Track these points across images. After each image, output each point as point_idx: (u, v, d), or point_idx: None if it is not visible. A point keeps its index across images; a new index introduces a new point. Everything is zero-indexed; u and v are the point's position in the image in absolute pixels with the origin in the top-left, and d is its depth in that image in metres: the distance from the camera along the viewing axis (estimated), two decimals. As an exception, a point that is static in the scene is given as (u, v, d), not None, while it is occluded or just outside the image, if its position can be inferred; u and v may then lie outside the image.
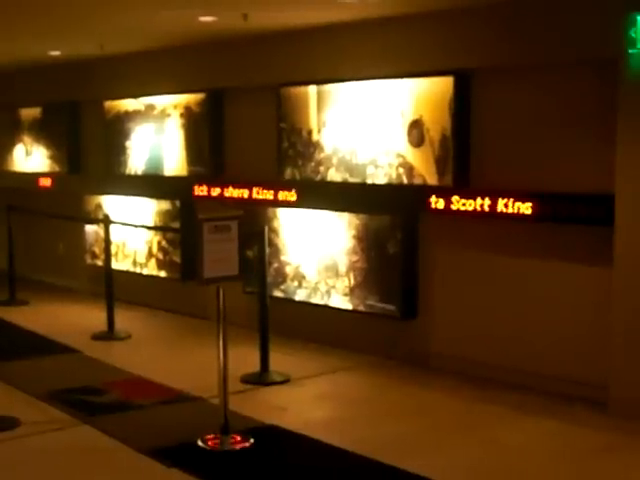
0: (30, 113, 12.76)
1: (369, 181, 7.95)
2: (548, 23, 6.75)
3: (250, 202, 8.93)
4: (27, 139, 12.83)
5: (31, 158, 12.78)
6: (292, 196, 8.64)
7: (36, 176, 12.61)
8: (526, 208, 6.86)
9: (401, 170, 7.69)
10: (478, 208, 7.17)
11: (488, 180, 7.21)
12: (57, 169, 12.23)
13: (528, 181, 6.96)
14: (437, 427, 6.31)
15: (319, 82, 8.38)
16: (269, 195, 8.82)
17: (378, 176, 7.87)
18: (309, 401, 7.03)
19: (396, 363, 7.87)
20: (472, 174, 7.34)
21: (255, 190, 8.96)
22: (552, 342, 6.95)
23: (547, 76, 6.88)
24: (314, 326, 8.68)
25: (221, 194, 9.40)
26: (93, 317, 9.81)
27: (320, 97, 8.37)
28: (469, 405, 6.76)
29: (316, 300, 8.46)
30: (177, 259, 10.16)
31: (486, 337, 7.38)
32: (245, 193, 9.10)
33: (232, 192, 9.25)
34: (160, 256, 10.45)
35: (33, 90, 12.58)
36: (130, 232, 10.66)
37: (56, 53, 10.42)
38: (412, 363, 7.81)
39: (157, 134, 10.36)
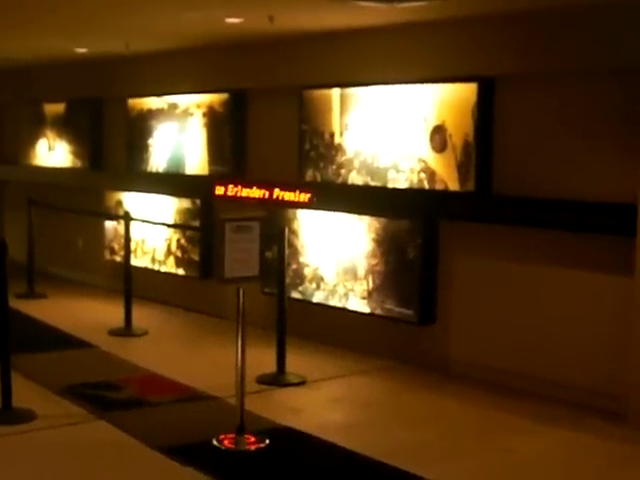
0: (54, 108, 12.82)
1: (390, 185, 7.96)
2: (574, 32, 6.75)
3: (270, 203, 8.93)
4: (50, 134, 12.90)
5: (53, 153, 12.85)
6: (312, 198, 8.62)
7: (58, 170, 12.68)
8: (545, 216, 6.86)
9: (423, 175, 7.69)
10: (499, 215, 7.18)
11: (510, 187, 7.20)
12: (79, 165, 12.29)
13: (551, 189, 6.94)
14: (453, 434, 6.30)
15: (342, 85, 8.39)
16: (290, 196, 8.81)
17: (399, 180, 7.88)
18: (324, 404, 7.03)
19: (413, 368, 7.86)
20: (495, 181, 7.33)
21: (276, 191, 8.95)
22: (571, 351, 6.93)
23: (572, 84, 6.86)
24: (331, 328, 8.68)
25: (242, 194, 9.38)
26: (110, 313, 9.84)
27: (343, 100, 8.38)
28: (486, 412, 6.74)
29: (334, 302, 8.47)
30: (196, 257, 10.19)
31: (504, 344, 7.36)
32: (266, 194, 9.08)
33: (253, 192, 9.23)
34: (179, 254, 10.48)
35: (58, 86, 12.64)
36: (149, 229, 10.69)
37: (83, 50, 10.47)
38: (429, 368, 7.80)
39: (179, 133, 10.40)
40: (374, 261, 8.08)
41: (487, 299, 7.50)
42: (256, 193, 9.04)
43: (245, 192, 9.23)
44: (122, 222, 9.76)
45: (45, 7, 7.39)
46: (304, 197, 8.55)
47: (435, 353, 7.85)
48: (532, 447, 6.03)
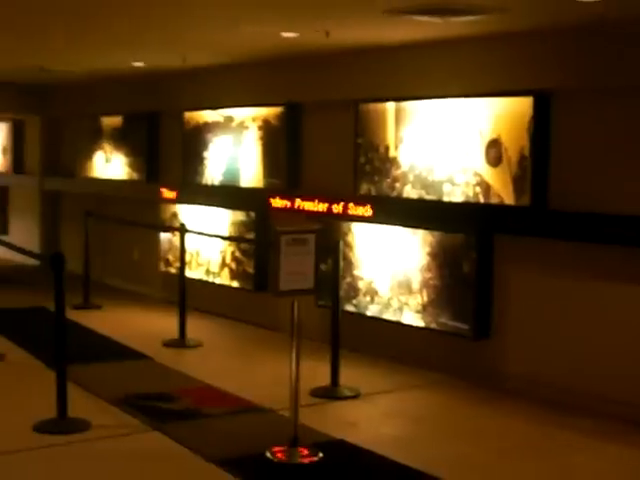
0: (111, 121, 12.98)
1: (445, 199, 7.93)
2: (631, 45, 6.68)
3: (325, 216, 8.95)
4: (107, 147, 13.05)
5: (110, 165, 12.99)
6: (367, 211, 8.62)
7: (114, 182, 12.82)
8: (603, 231, 6.78)
9: (478, 189, 7.66)
10: (555, 229, 7.12)
11: (567, 202, 7.13)
12: (135, 177, 12.41)
13: (610, 204, 6.86)
14: (508, 451, 6.22)
15: (398, 99, 8.38)
16: (344, 209, 8.82)
17: (454, 194, 7.85)
18: (378, 417, 7.00)
19: (467, 383, 7.81)
20: (551, 194, 7.27)
21: (330, 204, 8.97)
22: (631, 369, 6.81)
23: (631, 97, 6.78)
24: (385, 342, 8.66)
25: (297, 207, 9.41)
26: (165, 324, 9.91)
27: (398, 114, 8.37)
28: (541, 429, 6.65)
29: (388, 316, 8.44)
30: (250, 270, 10.23)
31: (561, 360, 7.28)
32: (320, 207, 9.11)
33: (308, 205, 9.26)
34: (233, 266, 10.53)
35: (115, 99, 12.80)
36: (204, 241, 10.75)
37: (140, 64, 10.59)
38: (484, 384, 7.74)
39: (235, 146, 10.46)
40: (429, 275, 8.05)
41: (543, 314, 7.43)
42: (314, 206, 9.11)
43: (304, 205, 9.31)
44: (177, 234, 9.83)
45: (104, 21, 7.49)
46: (366, 211, 8.56)
47: (490, 368, 7.79)
48: (589, 465, 5.94)
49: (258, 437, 6.33)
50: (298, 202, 9.36)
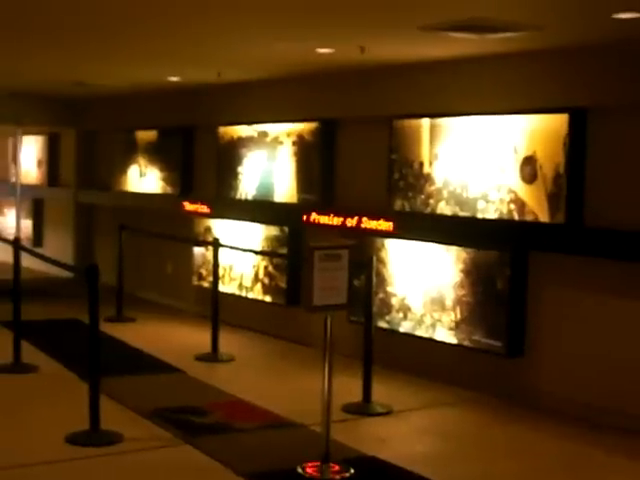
0: (146, 135, 13.05)
1: (479, 215, 7.90)
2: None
3: (358, 232, 8.94)
4: (142, 160, 13.12)
5: (145, 179, 13.06)
6: (400, 227, 8.60)
7: (149, 197, 12.88)
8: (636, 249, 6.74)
9: (512, 206, 7.62)
10: (590, 247, 7.07)
11: (604, 219, 7.08)
12: (169, 191, 12.46)
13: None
14: (540, 470, 6.17)
15: (432, 115, 8.37)
16: (378, 225, 8.81)
17: (489, 211, 7.82)
18: (410, 434, 6.97)
19: (501, 401, 7.76)
20: (586, 212, 7.23)
21: (364, 220, 8.96)
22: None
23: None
24: (418, 359, 8.63)
25: (330, 222, 9.40)
26: (197, 338, 9.94)
27: (433, 130, 8.36)
28: (575, 448, 6.59)
29: (421, 333, 8.41)
30: (283, 285, 10.23)
31: (596, 379, 7.21)
32: (354, 222, 9.10)
33: (341, 221, 9.25)
34: (266, 281, 10.54)
35: (150, 113, 12.88)
36: (237, 256, 10.77)
37: (175, 79, 10.66)
38: (517, 402, 7.68)
39: (269, 161, 10.48)
40: (462, 292, 8.02)
41: (578, 332, 7.37)
42: (347, 222, 9.08)
43: (337, 221, 9.30)
44: (211, 248, 9.86)
45: (141, 38, 7.56)
46: (398, 227, 8.55)
47: (523, 386, 7.74)
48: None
49: (289, 452, 6.33)
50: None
